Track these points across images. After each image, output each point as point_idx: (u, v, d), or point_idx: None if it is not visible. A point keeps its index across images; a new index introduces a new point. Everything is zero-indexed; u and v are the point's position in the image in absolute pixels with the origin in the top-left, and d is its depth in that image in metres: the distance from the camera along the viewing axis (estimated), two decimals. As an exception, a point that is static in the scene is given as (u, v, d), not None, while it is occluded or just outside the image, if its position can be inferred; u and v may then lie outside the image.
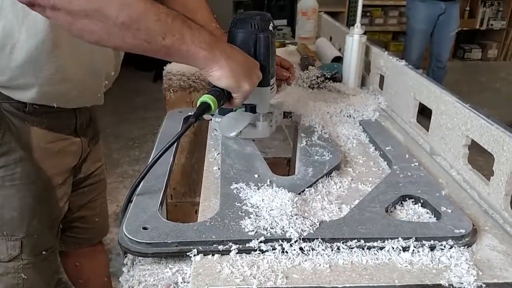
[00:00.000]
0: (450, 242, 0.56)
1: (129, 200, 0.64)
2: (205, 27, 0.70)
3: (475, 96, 4.20)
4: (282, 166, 2.01)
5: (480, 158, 0.79)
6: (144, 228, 0.56)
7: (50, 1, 0.58)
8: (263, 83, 0.80)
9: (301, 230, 0.56)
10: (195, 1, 0.99)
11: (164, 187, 0.66)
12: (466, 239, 0.57)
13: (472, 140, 0.73)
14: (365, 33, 1.17)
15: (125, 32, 0.61)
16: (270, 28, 0.80)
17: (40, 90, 0.82)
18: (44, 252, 0.94)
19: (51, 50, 0.79)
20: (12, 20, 0.75)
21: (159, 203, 0.61)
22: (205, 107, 0.70)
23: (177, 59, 0.70)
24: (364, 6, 1.11)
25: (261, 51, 0.79)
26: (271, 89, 0.84)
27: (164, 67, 1.37)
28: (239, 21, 0.79)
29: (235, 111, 0.83)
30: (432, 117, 0.84)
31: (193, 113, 0.70)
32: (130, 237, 0.54)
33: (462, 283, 0.50)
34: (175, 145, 0.81)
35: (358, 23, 1.13)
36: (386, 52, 1.12)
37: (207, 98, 0.70)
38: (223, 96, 0.73)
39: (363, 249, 0.55)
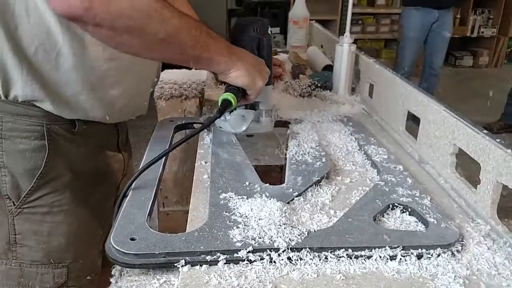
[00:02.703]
0: (438, 250, 0.57)
1: (124, 195, 0.66)
2: None
3: (466, 102, 4.23)
4: (275, 174, 2.00)
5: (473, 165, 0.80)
6: (132, 239, 0.56)
7: (95, 18, 0.59)
8: (267, 82, 0.87)
9: (289, 239, 0.57)
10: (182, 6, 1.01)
11: (153, 197, 0.66)
12: (453, 247, 0.58)
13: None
14: (355, 42, 1.18)
15: (161, 46, 0.67)
16: (269, 32, 0.87)
17: (89, 99, 0.80)
18: (88, 277, 0.91)
19: (96, 55, 0.78)
20: (56, 25, 0.73)
21: (147, 214, 0.61)
22: (227, 104, 0.78)
23: (201, 66, 0.78)
24: (356, 14, 1.14)
25: (264, 53, 0.87)
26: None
27: (156, 76, 1.37)
28: (241, 26, 0.87)
29: (235, 110, 0.89)
30: (420, 125, 0.85)
31: (216, 110, 0.79)
32: (118, 248, 0.54)
33: (448, 292, 0.51)
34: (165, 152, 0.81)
35: (347, 33, 1.14)
36: (373, 60, 1.13)
37: (228, 96, 0.78)
38: (240, 94, 0.81)
39: (350, 258, 0.55)
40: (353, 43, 1.17)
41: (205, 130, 0.98)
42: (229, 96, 0.78)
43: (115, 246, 0.54)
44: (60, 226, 0.84)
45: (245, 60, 0.80)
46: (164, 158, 0.80)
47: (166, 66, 1.23)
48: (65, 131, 0.82)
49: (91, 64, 0.78)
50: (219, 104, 0.79)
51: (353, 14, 1.16)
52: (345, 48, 1.15)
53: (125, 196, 0.66)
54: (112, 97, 0.84)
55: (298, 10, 1.76)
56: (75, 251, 0.87)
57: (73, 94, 0.79)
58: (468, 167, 0.79)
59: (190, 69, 1.51)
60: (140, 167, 0.73)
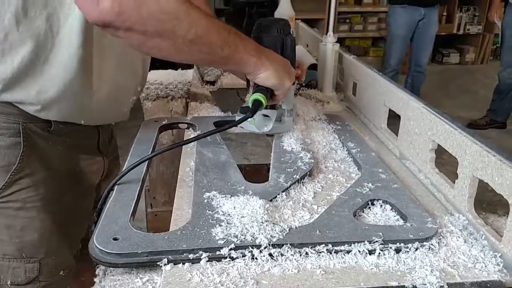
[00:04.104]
0: (416, 244, 0.58)
1: (107, 196, 0.67)
2: None
3: (453, 99, 4.28)
4: (263, 173, 2.02)
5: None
6: (115, 239, 0.56)
7: (125, 23, 0.60)
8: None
9: (271, 236, 0.58)
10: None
11: (136, 198, 0.67)
12: (431, 241, 0.59)
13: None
14: (343, 40, 1.19)
15: (192, 48, 0.68)
16: (292, 31, 0.88)
17: (66, 105, 0.81)
18: (61, 273, 0.91)
19: (80, 64, 0.78)
20: (47, 32, 0.74)
21: (130, 214, 0.62)
22: (258, 104, 0.79)
23: (230, 66, 0.80)
24: (343, 12, 1.15)
25: (288, 53, 0.87)
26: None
27: (142, 77, 1.37)
28: (264, 27, 0.87)
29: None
30: (400, 122, 0.86)
31: (249, 109, 0.79)
32: (101, 248, 0.55)
33: (425, 284, 0.52)
34: (152, 155, 0.82)
35: (330, 32, 1.15)
36: (356, 58, 1.14)
37: (258, 96, 0.79)
38: (268, 94, 0.81)
39: (330, 253, 0.57)
40: (339, 42, 1.18)
41: (191, 130, 0.99)
42: (260, 96, 0.79)
43: (98, 246, 0.55)
44: (33, 221, 0.84)
45: (274, 60, 0.80)
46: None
47: (152, 66, 1.24)
48: (41, 129, 0.82)
49: (73, 73, 0.78)
50: (251, 104, 0.79)
51: (340, 13, 1.19)
52: (328, 47, 1.16)
53: (107, 196, 0.66)
54: (91, 104, 0.84)
55: (284, 9, 1.76)
56: (48, 247, 0.87)
57: (53, 99, 0.79)
58: (453, 163, 0.80)
59: (176, 69, 1.51)
60: (124, 168, 0.73)
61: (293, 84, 0.89)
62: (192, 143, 0.90)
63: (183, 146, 0.90)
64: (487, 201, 0.71)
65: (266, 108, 0.88)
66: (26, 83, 0.76)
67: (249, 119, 0.85)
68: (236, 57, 0.74)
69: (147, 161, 0.78)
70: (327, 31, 1.17)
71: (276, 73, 0.79)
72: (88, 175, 0.95)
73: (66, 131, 0.86)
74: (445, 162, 0.80)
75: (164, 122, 0.97)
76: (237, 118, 0.91)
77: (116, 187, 0.70)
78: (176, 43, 0.66)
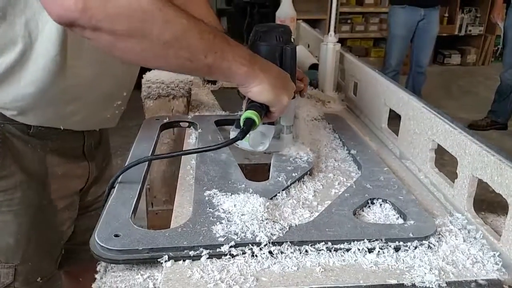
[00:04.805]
0: (415, 243, 0.58)
1: (108, 193, 0.67)
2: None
3: (454, 100, 4.28)
4: (264, 172, 2.02)
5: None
6: (116, 236, 0.57)
7: (91, 21, 0.55)
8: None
9: (271, 234, 0.58)
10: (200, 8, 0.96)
11: (137, 195, 0.67)
12: (430, 239, 0.59)
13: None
14: (344, 41, 1.20)
15: (168, 51, 0.60)
16: (292, 40, 0.80)
17: (43, 111, 0.79)
18: (39, 280, 0.87)
19: (57, 72, 0.76)
20: (25, 38, 0.72)
21: (131, 211, 0.62)
22: (251, 123, 0.70)
23: (218, 76, 0.70)
24: (345, 13, 1.16)
25: (288, 64, 0.78)
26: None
27: (143, 76, 1.37)
28: (262, 34, 0.79)
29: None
30: (401, 122, 0.87)
31: (239, 131, 0.70)
32: (102, 244, 0.55)
33: (424, 282, 0.53)
34: (150, 152, 0.82)
35: (331, 32, 1.16)
36: (356, 58, 1.15)
37: (251, 114, 0.71)
38: (263, 111, 0.73)
39: (330, 251, 0.57)
40: (340, 42, 1.19)
41: (191, 128, 0.99)
42: (253, 114, 0.70)
43: (100, 243, 0.56)
44: (9, 225, 0.82)
45: (269, 72, 0.71)
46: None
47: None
48: (20, 131, 0.80)
49: (50, 81, 0.76)
50: (242, 123, 0.71)
51: (342, 13, 1.19)
52: (329, 47, 1.17)
53: (109, 194, 0.67)
54: (68, 112, 0.83)
55: (285, 9, 1.77)
56: (24, 252, 0.85)
57: (29, 106, 0.78)
58: (454, 164, 0.80)
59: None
60: (125, 165, 0.73)
61: (293, 98, 0.79)
62: (193, 141, 0.91)
63: (184, 144, 0.91)
64: (487, 202, 0.71)
65: (264, 123, 0.79)
66: (1, 89, 0.75)
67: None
68: (223, 66, 0.65)
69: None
70: (328, 31, 1.17)
71: (272, 88, 0.70)
72: (70, 180, 0.93)
73: (47, 134, 0.83)
74: (446, 163, 0.80)
75: (165, 121, 0.98)
76: (231, 133, 0.86)
77: (117, 185, 0.70)
78: (149, 46, 0.59)
